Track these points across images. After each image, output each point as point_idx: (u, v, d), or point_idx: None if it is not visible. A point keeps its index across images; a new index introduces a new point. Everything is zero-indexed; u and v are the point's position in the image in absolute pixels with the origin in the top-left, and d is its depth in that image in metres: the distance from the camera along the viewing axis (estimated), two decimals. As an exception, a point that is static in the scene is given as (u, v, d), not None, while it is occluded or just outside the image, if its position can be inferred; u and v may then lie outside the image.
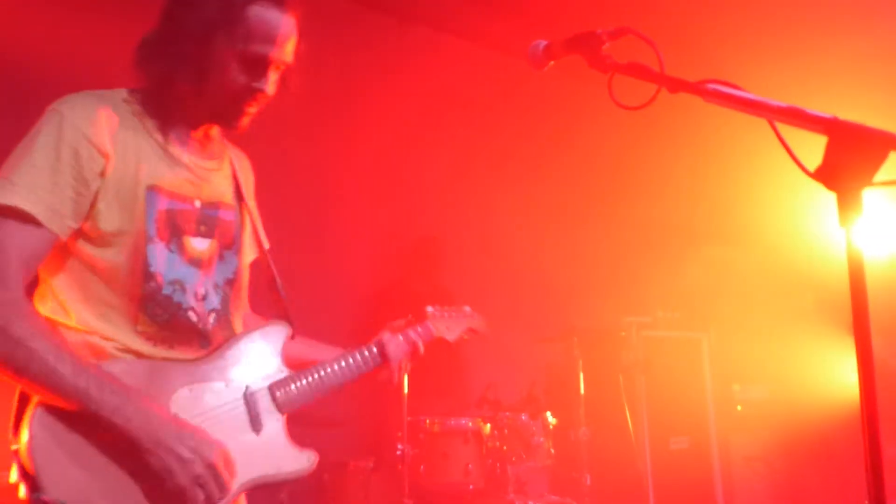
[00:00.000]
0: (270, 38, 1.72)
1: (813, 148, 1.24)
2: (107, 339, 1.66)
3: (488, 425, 4.09)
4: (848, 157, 1.18)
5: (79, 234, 1.66)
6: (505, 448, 4.10)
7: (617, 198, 6.33)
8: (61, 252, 1.67)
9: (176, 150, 1.78)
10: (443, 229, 5.19)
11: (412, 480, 3.80)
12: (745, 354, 6.00)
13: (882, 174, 1.20)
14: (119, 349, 1.67)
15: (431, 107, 5.16)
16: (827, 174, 1.20)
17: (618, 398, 5.12)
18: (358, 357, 2.06)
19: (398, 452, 3.78)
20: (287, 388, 1.86)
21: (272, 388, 1.84)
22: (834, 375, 5.57)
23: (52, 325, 1.63)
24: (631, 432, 5.09)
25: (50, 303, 1.68)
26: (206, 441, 1.63)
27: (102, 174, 1.64)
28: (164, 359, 1.71)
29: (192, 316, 1.76)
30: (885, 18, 5.02)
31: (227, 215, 1.89)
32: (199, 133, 1.85)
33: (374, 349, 2.10)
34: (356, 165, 4.94)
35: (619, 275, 6.07)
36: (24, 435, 1.52)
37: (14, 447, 1.55)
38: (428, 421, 4.01)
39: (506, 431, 4.13)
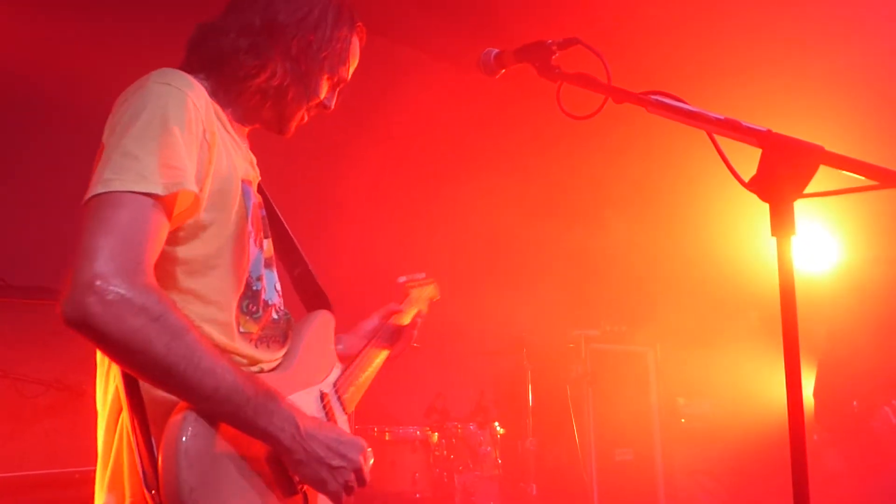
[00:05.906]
0: (351, 63, 1.86)
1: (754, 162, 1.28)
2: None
3: (436, 434, 4.10)
4: (781, 169, 1.23)
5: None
6: (452, 457, 4.11)
7: (567, 213, 6.41)
8: None
9: (241, 144, 1.71)
10: (397, 240, 5.20)
11: (359, 488, 3.78)
12: (690, 368, 6.11)
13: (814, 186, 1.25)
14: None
15: (382, 117, 5.18)
16: (761, 185, 1.24)
17: (565, 409, 5.18)
18: (385, 337, 2.22)
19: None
20: (348, 387, 1.91)
21: (338, 389, 1.86)
22: (777, 390, 5.65)
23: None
24: (577, 443, 5.14)
25: None
26: (350, 443, 1.58)
27: (210, 161, 1.49)
28: (267, 361, 1.64)
29: (274, 314, 1.70)
30: (818, 49, 5.32)
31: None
32: (245, 130, 1.80)
33: (393, 325, 2.25)
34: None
35: (568, 288, 6.14)
36: (173, 450, 1.31)
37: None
38: (376, 429, 4.00)
39: (454, 441, 4.15)
